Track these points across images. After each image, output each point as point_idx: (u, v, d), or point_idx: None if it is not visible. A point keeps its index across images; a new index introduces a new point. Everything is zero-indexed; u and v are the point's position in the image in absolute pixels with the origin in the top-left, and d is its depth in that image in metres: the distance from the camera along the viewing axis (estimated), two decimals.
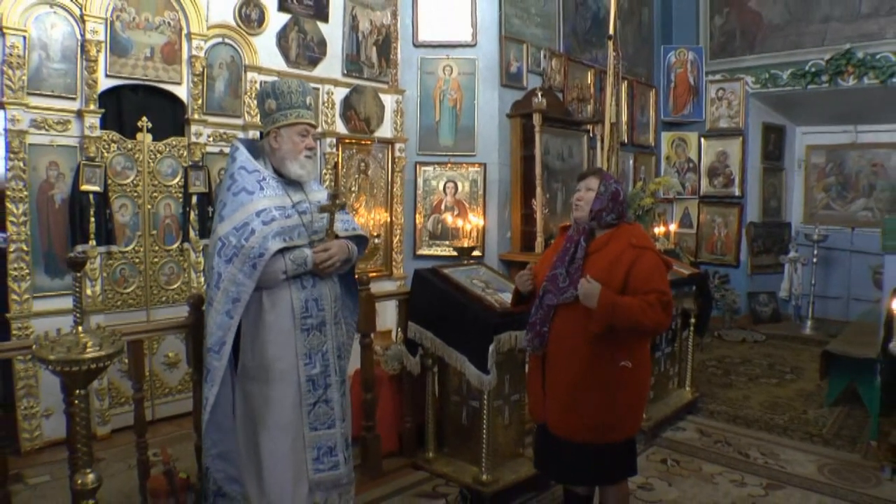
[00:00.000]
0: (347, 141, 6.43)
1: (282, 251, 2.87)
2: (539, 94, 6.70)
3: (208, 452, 3.04)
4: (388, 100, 6.80)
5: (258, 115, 5.47)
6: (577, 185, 3.10)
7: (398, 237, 6.95)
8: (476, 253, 6.17)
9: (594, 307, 2.76)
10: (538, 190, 6.62)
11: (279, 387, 2.94)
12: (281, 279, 2.91)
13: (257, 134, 5.45)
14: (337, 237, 3.08)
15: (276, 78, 5.39)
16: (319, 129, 6.00)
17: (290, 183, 3.05)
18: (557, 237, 3.28)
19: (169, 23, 5.18)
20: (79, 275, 2.53)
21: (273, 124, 3.01)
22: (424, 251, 7.11)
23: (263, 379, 2.95)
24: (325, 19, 6.25)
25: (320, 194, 3.16)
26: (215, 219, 2.96)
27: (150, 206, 5.22)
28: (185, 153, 5.36)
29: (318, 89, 6.08)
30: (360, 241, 3.30)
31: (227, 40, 5.55)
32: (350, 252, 3.14)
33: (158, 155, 5.24)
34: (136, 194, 5.15)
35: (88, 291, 4.77)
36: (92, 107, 4.77)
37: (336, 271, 3.12)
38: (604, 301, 2.74)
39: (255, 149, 3.09)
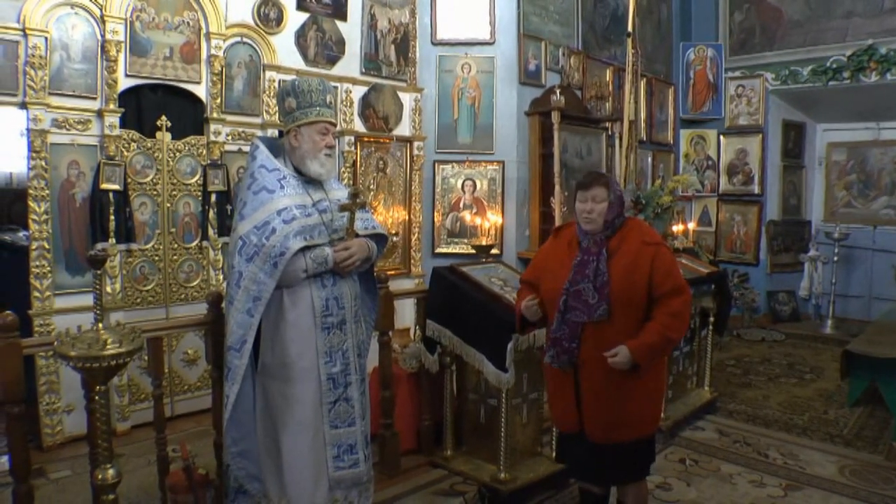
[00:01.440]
0: (366, 139, 6.44)
1: (302, 250, 2.87)
2: (557, 92, 6.66)
3: (229, 450, 3.05)
4: (407, 98, 6.80)
5: (277, 114, 5.56)
6: (580, 195, 2.98)
7: (416, 235, 6.96)
8: (494, 251, 6.15)
9: (635, 363, 2.80)
10: (557, 188, 6.58)
11: (300, 385, 2.95)
12: (301, 278, 2.91)
13: (276, 132, 5.47)
14: (357, 236, 3.08)
15: (294, 77, 5.40)
16: (338, 128, 6.01)
17: (310, 181, 3.05)
18: (550, 240, 3.23)
19: (188, 23, 5.21)
20: (99, 272, 2.54)
21: (293, 122, 3.02)
22: (443, 249, 7.10)
23: (284, 377, 2.95)
24: (344, 18, 6.26)
25: (340, 193, 3.17)
26: (235, 217, 2.97)
27: (169, 205, 5.26)
28: (204, 152, 5.40)
29: (336, 88, 6.08)
30: (380, 239, 3.30)
31: (245, 40, 5.58)
32: (370, 251, 3.14)
33: (177, 154, 5.28)
34: (155, 193, 5.19)
35: (108, 289, 4.81)
36: (112, 106, 4.81)
37: (356, 270, 3.12)
38: (638, 354, 2.80)
39: (275, 147, 3.09)
